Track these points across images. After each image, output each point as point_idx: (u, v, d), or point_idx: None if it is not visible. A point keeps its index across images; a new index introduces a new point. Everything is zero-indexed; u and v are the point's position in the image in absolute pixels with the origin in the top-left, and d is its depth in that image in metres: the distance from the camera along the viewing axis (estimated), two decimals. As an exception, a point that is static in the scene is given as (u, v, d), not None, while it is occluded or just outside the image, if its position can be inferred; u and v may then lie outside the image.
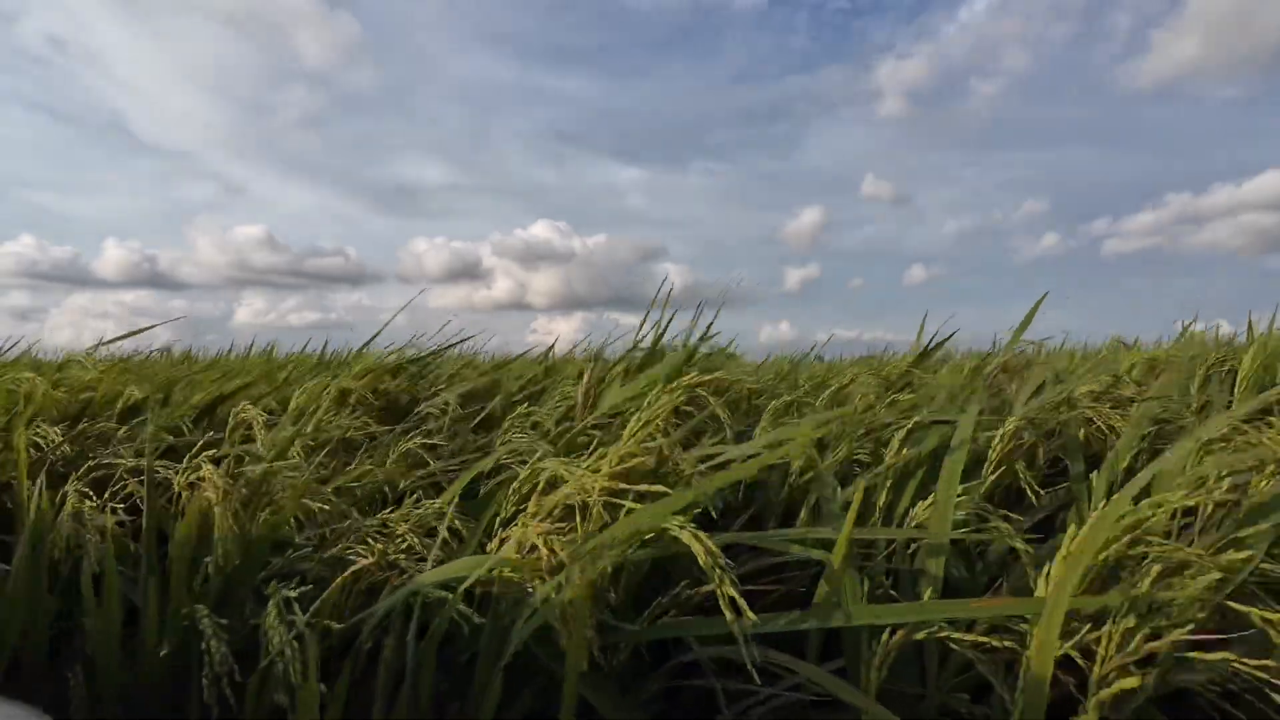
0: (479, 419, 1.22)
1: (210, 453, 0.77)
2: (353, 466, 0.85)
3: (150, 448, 0.71)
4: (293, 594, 0.57)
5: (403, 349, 1.48)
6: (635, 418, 0.76)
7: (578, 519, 0.60)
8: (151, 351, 2.21)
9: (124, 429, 1.04)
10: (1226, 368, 1.41)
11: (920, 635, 0.53)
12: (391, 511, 0.76)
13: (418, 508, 0.75)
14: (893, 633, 0.53)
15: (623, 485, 0.61)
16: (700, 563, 0.51)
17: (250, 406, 0.88)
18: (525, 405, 1.00)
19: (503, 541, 0.64)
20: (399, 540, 0.72)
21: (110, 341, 1.44)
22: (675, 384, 0.84)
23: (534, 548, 0.57)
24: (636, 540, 0.59)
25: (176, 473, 0.72)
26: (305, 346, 2.74)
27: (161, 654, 0.65)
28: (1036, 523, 0.88)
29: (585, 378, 0.97)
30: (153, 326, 1.43)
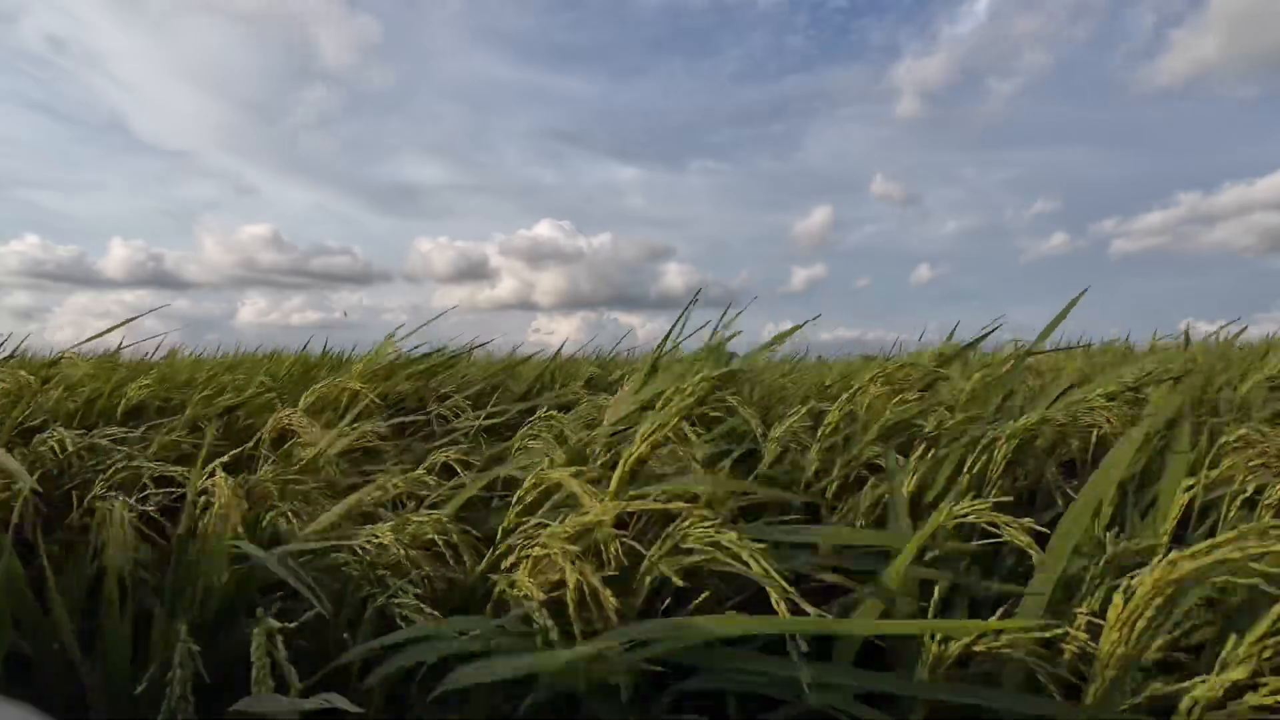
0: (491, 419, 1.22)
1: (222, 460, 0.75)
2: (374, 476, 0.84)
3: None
4: (276, 626, 0.52)
5: (410, 352, 1.47)
6: (648, 420, 0.73)
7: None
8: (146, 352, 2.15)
9: (134, 430, 1.02)
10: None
11: (980, 646, 0.50)
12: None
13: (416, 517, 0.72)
14: (944, 644, 0.51)
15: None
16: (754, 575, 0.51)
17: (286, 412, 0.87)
18: (546, 410, 0.99)
19: (514, 563, 0.63)
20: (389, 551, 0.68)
21: (95, 337, 1.40)
22: (689, 385, 0.79)
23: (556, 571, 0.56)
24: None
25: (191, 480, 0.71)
26: (306, 345, 2.70)
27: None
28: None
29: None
30: (136, 318, 1.39)
